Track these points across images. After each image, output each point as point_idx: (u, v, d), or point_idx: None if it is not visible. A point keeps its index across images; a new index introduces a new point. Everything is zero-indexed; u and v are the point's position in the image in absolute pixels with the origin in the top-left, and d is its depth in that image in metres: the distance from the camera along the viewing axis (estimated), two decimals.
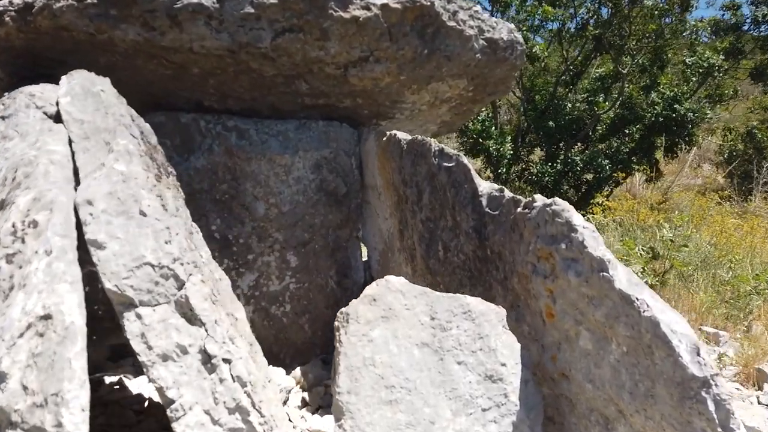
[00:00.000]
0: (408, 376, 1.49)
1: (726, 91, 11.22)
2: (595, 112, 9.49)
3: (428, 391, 1.50)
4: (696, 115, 9.17)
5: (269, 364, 3.07)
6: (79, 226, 1.26)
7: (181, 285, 1.34)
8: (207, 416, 1.29)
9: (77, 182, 1.43)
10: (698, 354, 1.28)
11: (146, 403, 2.68)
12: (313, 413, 2.73)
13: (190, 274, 1.38)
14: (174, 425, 1.26)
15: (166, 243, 1.34)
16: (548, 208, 1.67)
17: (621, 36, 8.97)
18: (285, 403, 2.85)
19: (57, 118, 1.63)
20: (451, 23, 2.73)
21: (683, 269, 4.30)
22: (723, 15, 11.39)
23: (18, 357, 1.01)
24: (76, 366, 0.95)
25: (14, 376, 1.00)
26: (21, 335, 1.02)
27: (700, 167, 12.80)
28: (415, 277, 2.74)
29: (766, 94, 12.40)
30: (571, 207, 1.63)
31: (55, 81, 1.74)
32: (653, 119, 9.19)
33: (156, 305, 1.29)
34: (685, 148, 9.94)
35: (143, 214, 1.32)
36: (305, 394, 2.87)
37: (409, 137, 2.64)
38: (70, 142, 1.53)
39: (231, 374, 1.36)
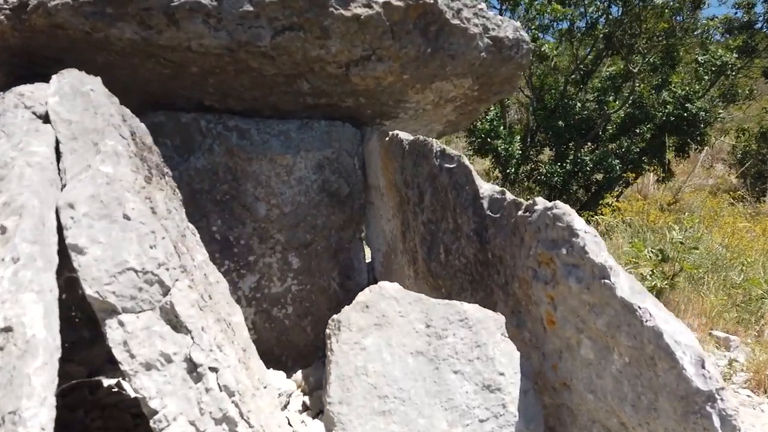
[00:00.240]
0: (402, 386, 1.45)
1: (740, 91, 11.03)
2: (605, 112, 9.37)
3: (423, 401, 1.45)
4: (708, 114, 9.03)
5: (271, 367, 3.04)
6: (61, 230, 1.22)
7: (166, 291, 1.30)
8: (192, 427, 1.25)
9: (66, 184, 1.39)
10: (703, 366, 1.22)
11: None
12: (313, 417, 2.69)
13: (177, 280, 1.34)
14: None
15: (151, 247, 1.30)
16: (549, 212, 1.61)
17: (632, 35, 8.85)
18: (286, 407, 2.81)
19: (46, 118, 1.60)
20: (455, 21, 2.68)
21: (693, 272, 4.22)
22: (736, 13, 11.21)
23: None
24: (36, 382, 0.91)
25: None
26: None
27: (712, 167, 12.64)
28: (417, 280, 2.69)
29: None
30: (573, 210, 1.57)
31: None
32: (664, 119, 9.06)
33: (140, 312, 1.25)
34: (697, 148, 9.80)
35: (127, 217, 1.28)
36: (306, 398, 2.82)
37: (411, 137, 2.59)
38: (58, 143, 1.49)
39: (218, 383, 1.31)
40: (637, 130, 9.47)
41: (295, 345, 3.18)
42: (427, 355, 1.51)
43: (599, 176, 9.21)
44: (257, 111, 3.01)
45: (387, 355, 1.46)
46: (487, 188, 2.03)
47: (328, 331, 1.47)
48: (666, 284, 4.04)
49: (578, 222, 1.54)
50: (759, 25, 10.75)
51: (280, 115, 3.06)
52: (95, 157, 1.43)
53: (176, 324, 1.30)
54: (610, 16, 9.23)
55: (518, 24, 2.98)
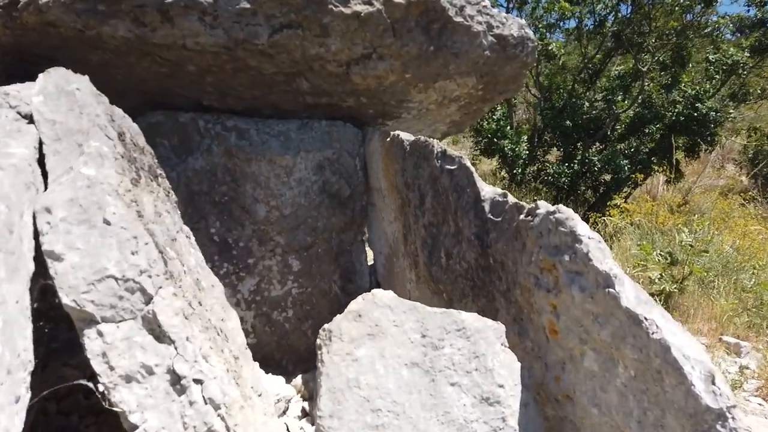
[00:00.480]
0: (396, 399, 1.38)
1: (752, 90, 10.87)
2: (613, 111, 9.25)
3: (418, 414, 1.38)
4: (718, 114, 8.90)
5: (270, 372, 2.99)
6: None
7: (148, 299, 1.24)
8: None
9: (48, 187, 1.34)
10: (713, 382, 1.14)
11: None
12: (313, 423, 2.63)
13: (160, 287, 1.28)
14: None
15: (133, 254, 1.24)
16: (552, 216, 1.54)
17: (641, 33, 8.74)
18: (284, 413, 2.76)
19: (31, 118, 1.55)
20: (458, 19, 2.62)
21: (703, 275, 4.12)
22: (748, 11, 11.05)
23: None
24: None
25: None
26: None
27: (723, 168, 12.48)
28: (419, 284, 2.63)
29: None
30: (576, 215, 1.50)
31: None
32: (674, 118, 8.94)
33: (120, 321, 1.20)
34: (707, 149, 9.66)
35: (107, 222, 1.22)
36: (306, 404, 2.77)
37: (412, 138, 2.53)
38: (41, 144, 1.44)
39: (203, 396, 1.26)
40: (646, 130, 9.35)
41: (295, 349, 3.13)
42: (422, 367, 1.45)
43: (607, 177, 9.10)
44: (257, 110, 2.96)
45: (380, 366, 1.39)
46: (488, 191, 1.96)
47: (318, 341, 1.41)
48: (675, 288, 3.95)
49: (582, 227, 1.47)
50: None
51: (280, 114, 3.01)
52: (78, 159, 1.38)
53: (159, 334, 1.24)
54: (619, 14, 9.11)
55: (523, 21, 2.91)
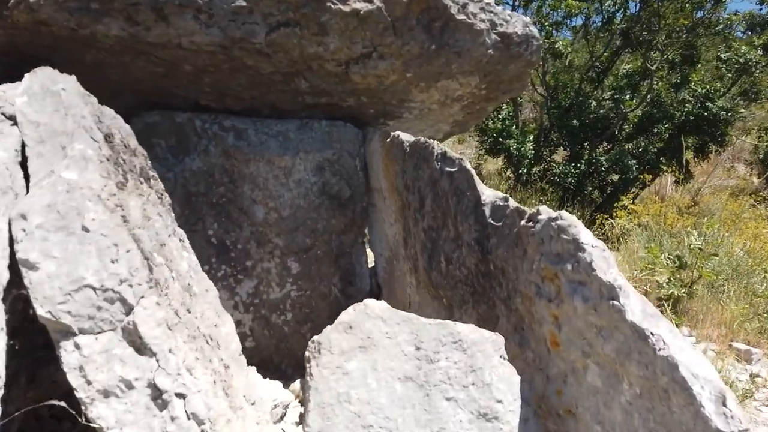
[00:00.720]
0: (389, 415, 1.32)
1: (763, 89, 10.71)
2: (621, 111, 9.13)
3: (412, 431, 1.32)
4: (729, 113, 8.77)
5: (268, 376, 2.94)
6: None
7: (129, 309, 1.19)
8: None
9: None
10: (724, 404, 1.08)
11: None
12: None
13: (142, 297, 1.22)
14: None
15: (113, 262, 1.19)
16: (554, 223, 1.47)
17: (650, 30, 8.62)
18: (282, 418, 2.71)
19: (16, 119, 1.50)
20: (461, 16, 2.56)
21: (713, 279, 4.03)
22: (760, 9, 10.88)
23: None
24: None
25: None
26: None
27: (733, 168, 12.32)
28: (419, 289, 2.57)
29: None
30: (579, 222, 1.43)
31: None
32: (683, 118, 8.82)
33: (99, 333, 1.14)
34: (717, 149, 9.53)
35: (86, 229, 1.17)
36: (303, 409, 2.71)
37: (412, 139, 2.46)
38: (24, 146, 1.39)
39: (185, 411, 1.20)
40: (655, 130, 9.23)
41: (294, 353, 3.08)
42: (416, 381, 1.39)
43: (615, 177, 8.99)
44: (256, 110, 2.91)
45: (372, 380, 1.33)
46: (489, 194, 1.90)
47: (307, 353, 1.35)
48: (684, 292, 3.86)
49: (585, 235, 1.40)
50: None
51: (279, 114, 2.96)
52: (61, 162, 1.32)
53: (140, 346, 1.19)
54: (628, 11, 8.99)
55: (527, 19, 2.84)
